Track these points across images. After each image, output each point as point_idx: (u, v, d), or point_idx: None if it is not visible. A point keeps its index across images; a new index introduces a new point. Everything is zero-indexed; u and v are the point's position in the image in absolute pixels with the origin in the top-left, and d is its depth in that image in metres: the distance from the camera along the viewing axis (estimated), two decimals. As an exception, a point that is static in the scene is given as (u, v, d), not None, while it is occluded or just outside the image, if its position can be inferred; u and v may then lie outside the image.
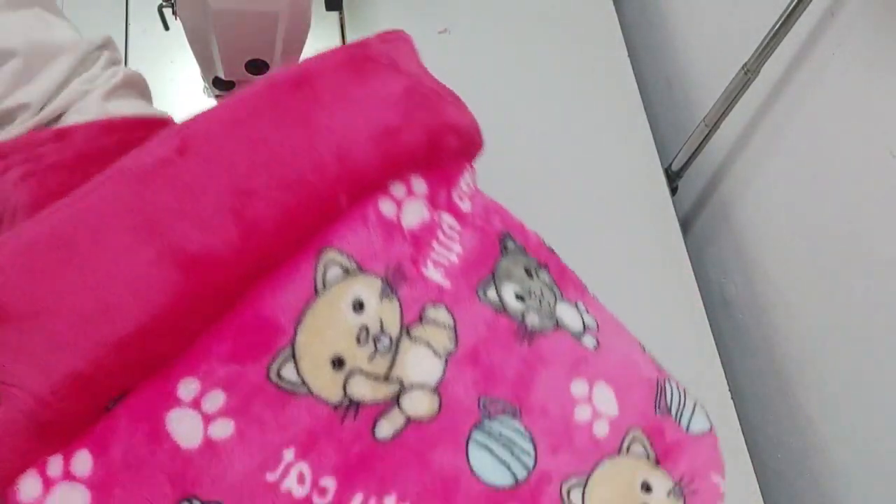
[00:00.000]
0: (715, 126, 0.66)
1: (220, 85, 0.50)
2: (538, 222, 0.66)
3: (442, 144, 0.38)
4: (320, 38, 0.70)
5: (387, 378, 0.34)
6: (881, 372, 0.53)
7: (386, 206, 0.36)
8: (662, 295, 0.65)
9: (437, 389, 0.35)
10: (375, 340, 0.34)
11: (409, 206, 0.37)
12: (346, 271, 0.34)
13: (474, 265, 0.39)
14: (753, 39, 0.59)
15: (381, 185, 0.36)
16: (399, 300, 0.35)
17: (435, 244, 0.37)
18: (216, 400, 0.31)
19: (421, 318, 0.36)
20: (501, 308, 0.38)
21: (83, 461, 0.30)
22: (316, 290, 0.33)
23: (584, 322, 0.41)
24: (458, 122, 0.41)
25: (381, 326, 0.34)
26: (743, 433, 0.60)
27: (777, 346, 0.65)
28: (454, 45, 0.73)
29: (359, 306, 0.34)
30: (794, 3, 0.55)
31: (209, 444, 0.31)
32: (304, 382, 0.33)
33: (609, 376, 0.40)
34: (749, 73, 0.60)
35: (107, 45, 0.44)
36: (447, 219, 0.39)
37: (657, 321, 0.63)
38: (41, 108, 0.40)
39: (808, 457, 0.61)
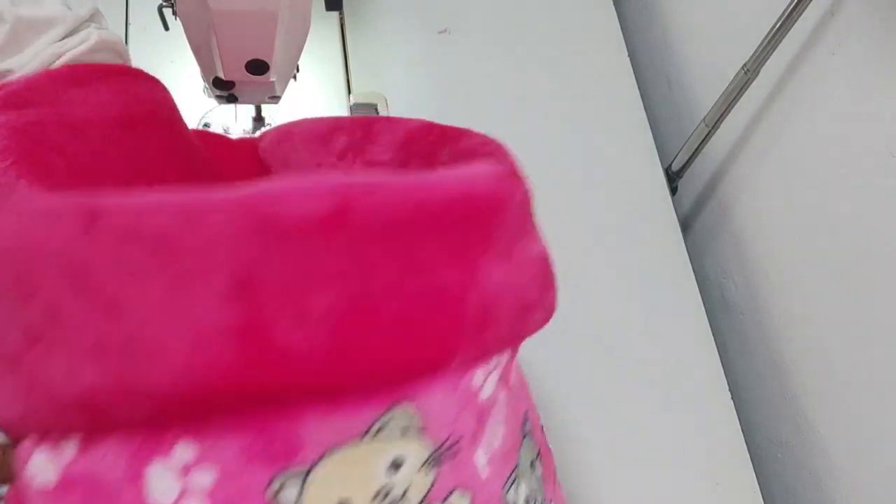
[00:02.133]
0: (715, 126, 0.66)
1: (220, 85, 0.50)
2: (538, 223, 0.66)
3: (548, 320, 0.36)
4: (320, 38, 0.70)
5: None
6: (881, 372, 0.53)
7: (478, 377, 0.32)
8: (662, 295, 0.65)
9: None
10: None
11: (491, 378, 0.33)
12: (407, 430, 0.30)
13: (508, 454, 0.35)
14: (753, 39, 0.59)
15: (489, 356, 0.32)
16: (437, 474, 0.32)
17: (492, 424, 0.34)
18: (205, 478, 0.28)
19: (444, 500, 0.32)
20: None
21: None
22: (364, 435, 0.29)
23: None
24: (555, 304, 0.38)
25: (405, 493, 0.31)
26: (743, 433, 0.60)
27: (777, 346, 0.65)
28: (454, 45, 0.73)
29: (395, 466, 0.30)
30: (794, 3, 0.55)
31: None
32: None
33: None
34: (749, 73, 0.60)
35: (94, 17, 0.44)
36: (503, 396, 0.35)
37: (657, 321, 0.63)
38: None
39: (808, 457, 0.61)
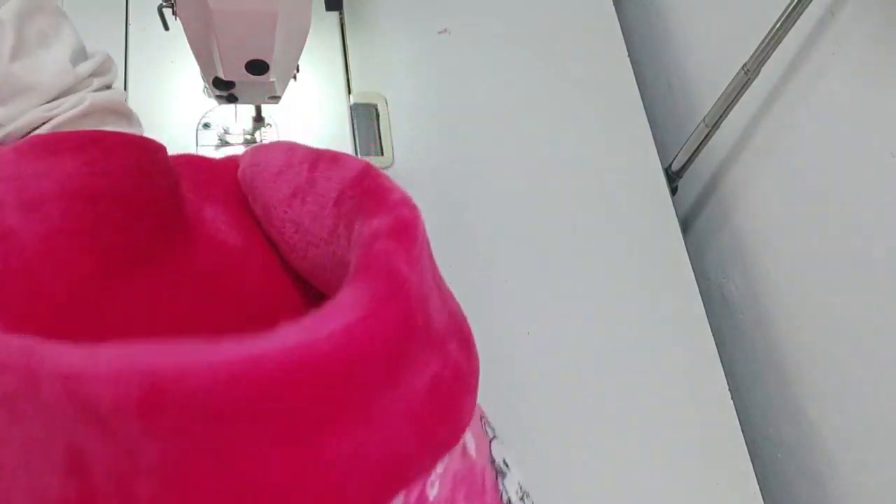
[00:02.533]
0: (715, 126, 0.66)
1: (220, 85, 0.50)
2: (538, 223, 0.66)
3: (446, 454, 0.32)
4: (320, 38, 0.70)
5: None
6: (881, 372, 0.53)
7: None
8: (662, 295, 0.65)
9: None
10: None
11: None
12: None
13: None
14: (753, 39, 0.59)
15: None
16: None
17: None
18: None
19: None
20: None
21: None
22: None
23: None
24: (464, 421, 0.33)
25: None
26: (743, 433, 0.60)
27: (777, 346, 0.65)
28: (454, 45, 0.73)
29: None
30: (794, 3, 0.55)
31: None
32: None
33: None
34: (749, 73, 0.60)
35: (101, 68, 0.44)
36: None
37: (657, 321, 0.63)
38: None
39: (808, 457, 0.61)
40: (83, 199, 0.35)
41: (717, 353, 0.63)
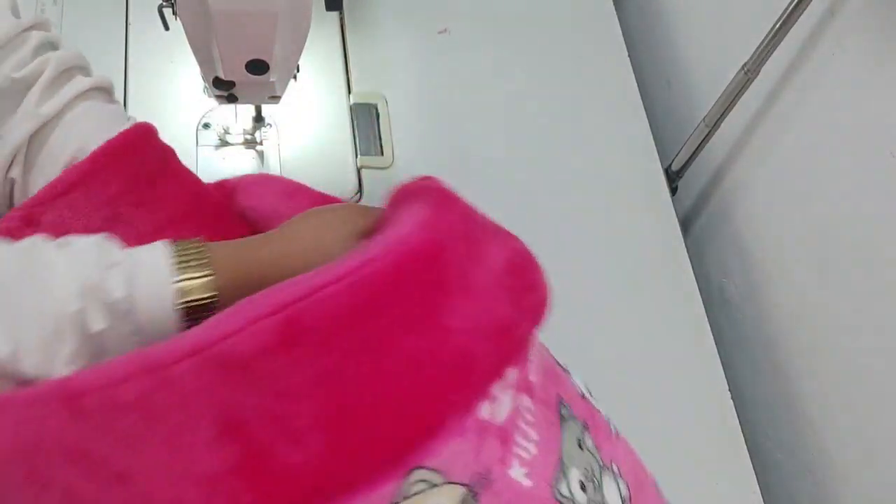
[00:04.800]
0: (715, 126, 0.66)
1: (220, 85, 0.50)
2: (539, 223, 0.66)
3: (540, 325, 0.36)
4: (320, 38, 0.70)
5: None
6: (881, 372, 0.53)
7: (485, 410, 0.33)
8: (662, 295, 0.65)
9: None
10: None
11: (502, 400, 0.34)
12: (432, 484, 0.31)
13: (547, 453, 0.36)
14: (753, 39, 0.59)
15: (485, 390, 0.33)
16: None
17: (518, 437, 0.35)
18: None
19: None
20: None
21: None
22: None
23: (621, 495, 0.39)
24: (547, 291, 0.38)
25: None
26: (743, 433, 0.60)
27: (777, 346, 0.65)
28: (454, 45, 0.73)
29: None
30: (794, 3, 0.55)
31: None
32: None
33: None
34: (749, 73, 0.60)
35: (40, 25, 0.43)
36: (525, 402, 0.36)
37: (657, 321, 0.63)
38: None
39: (808, 457, 0.61)
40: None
41: (717, 353, 0.63)
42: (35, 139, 0.41)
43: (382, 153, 0.66)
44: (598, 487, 0.37)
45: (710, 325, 0.64)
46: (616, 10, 0.78)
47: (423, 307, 0.30)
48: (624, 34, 0.77)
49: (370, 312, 0.29)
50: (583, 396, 0.42)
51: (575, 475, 0.36)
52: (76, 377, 0.28)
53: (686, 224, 0.79)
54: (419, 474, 0.30)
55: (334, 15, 0.72)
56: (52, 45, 0.44)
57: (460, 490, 0.31)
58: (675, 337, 0.63)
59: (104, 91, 0.46)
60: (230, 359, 0.27)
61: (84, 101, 0.43)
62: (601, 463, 0.39)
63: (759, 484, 0.59)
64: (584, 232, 0.66)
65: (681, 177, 0.73)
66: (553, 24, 0.76)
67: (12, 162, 0.41)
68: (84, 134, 0.42)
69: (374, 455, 0.29)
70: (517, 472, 0.33)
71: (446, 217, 0.34)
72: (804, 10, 0.55)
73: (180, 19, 0.45)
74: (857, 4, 0.53)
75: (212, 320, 0.29)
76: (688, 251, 0.67)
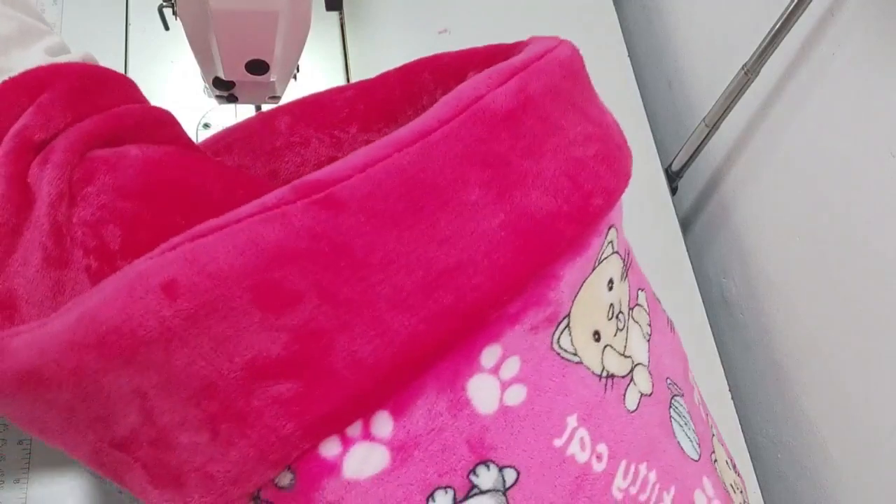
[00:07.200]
0: (715, 126, 0.66)
1: (220, 85, 0.50)
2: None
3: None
4: (320, 38, 0.70)
5: (623, 354, 0.36)
6: (881, 372, 0.53)
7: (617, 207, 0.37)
8: (662, 295, 0.64)
9: (649, 369, 0.37)
10: (617, 318, 0.35)
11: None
12: (611, 246, 0.35)
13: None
14: (753, 39, 0.59)
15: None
16: (629, 282, 0.37)
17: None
18: (512, 367, 0.31)
19: (636, 301, 0.38)
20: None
21: (384, 423, 0.29)
22: (594, 267, 0.34)
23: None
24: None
25: (620, 305, 0.36)
26: (743, 433, 0.60)
27: (777, 346, 0.65)
28: (454, 45, 0.73)
29: (610, 284, 0.35)
30: (794, 3, 0.55)
31: (504, 411, 0.31)
32: (576, 353, 0.33)
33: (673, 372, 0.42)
34: (749, 73, 0.60)
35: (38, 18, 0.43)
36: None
37: (657, 321, 0.63)
38: None
39: (808, 457, 0.61)
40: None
41: (717, 353, 0.63)
42: None
43: (382, 153, 0.66)
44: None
45: (710, 325, 0.64)
46: (616, 10, 0.78)
47: (576, 107, 0.35)
48: (624, 34, 0.77)
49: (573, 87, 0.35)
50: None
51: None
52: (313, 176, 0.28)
53: (686, 224, 0.79)
54: (612, 235, 0.35)
55: (334, 15, 0.72)
56: (63, 49, 0.44)
57: (621, 262, 0.36)
58: (675, 337, 0.63)
59: None
60: (486, 116, 0.30)
61: None
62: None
63: (759, 484, 0.59)
64: (584, 232, 0.66)
65: (681, 177, 0.73)
66: (553, 25, 0.76)
67: None
68: None
69: (604, 206, 0.33)
70: (635, 264, 0.40)
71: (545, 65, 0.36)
72: (804, 10, 0.55)
73: (180, 19, 0.45)
74: (857, 4, 0.53)
75: (459, 90, 0.31)
76: (688, 251, 0.67)
